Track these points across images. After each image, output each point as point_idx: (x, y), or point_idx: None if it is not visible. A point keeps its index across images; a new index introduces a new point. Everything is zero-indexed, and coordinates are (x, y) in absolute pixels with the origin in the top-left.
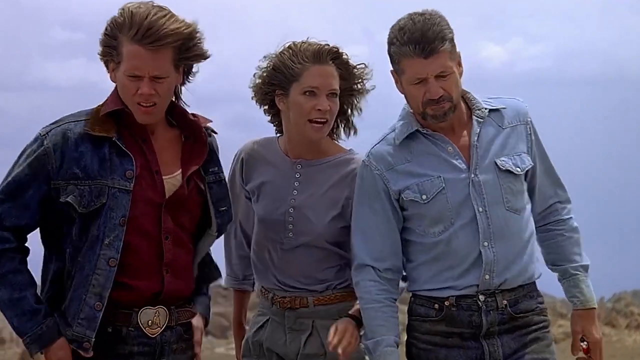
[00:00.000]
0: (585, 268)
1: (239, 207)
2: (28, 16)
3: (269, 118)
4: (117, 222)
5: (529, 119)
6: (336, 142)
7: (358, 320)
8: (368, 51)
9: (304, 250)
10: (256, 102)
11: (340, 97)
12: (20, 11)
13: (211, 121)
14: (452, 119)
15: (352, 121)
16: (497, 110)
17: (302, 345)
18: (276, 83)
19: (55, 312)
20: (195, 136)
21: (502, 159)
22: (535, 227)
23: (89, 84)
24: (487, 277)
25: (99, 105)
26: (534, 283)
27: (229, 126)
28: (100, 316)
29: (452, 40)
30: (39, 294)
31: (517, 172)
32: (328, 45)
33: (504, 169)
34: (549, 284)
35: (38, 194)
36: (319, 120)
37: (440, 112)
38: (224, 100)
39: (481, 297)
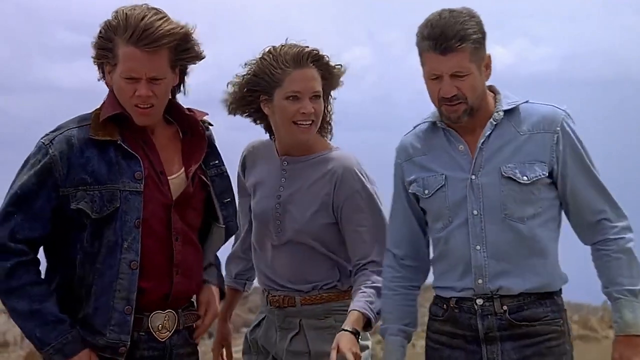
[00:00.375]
0: (634, 292)
1: (245, 207)
2: (30, 18)
3: (252, 120)
4: (132, 225)
5: (558, 128)
6: (325, 139)
7: (357, 332)
8: (369, 52)
9: (291, 248)
10: (234, 111)
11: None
12: (22, 13)
13: (207, 114)
14: (474, 118)
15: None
16: (519, 114)
17: (288, 342)
18: (259, 89)
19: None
20: (192, 131)
21: (509, 165)
22: (590, 247)
23: (92, 86)
24: (479, 281)
25: (96, 109)
26: (549, 292)
27: (232, 128)
28: (131, 320)
29: (477, 41)
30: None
31: (521, 181)
32: (307, 47)
33: (506, 175)
34: None
35: (48, 203)
36: (303, 123)
37: (454, 115)
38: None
39: (479, 301)
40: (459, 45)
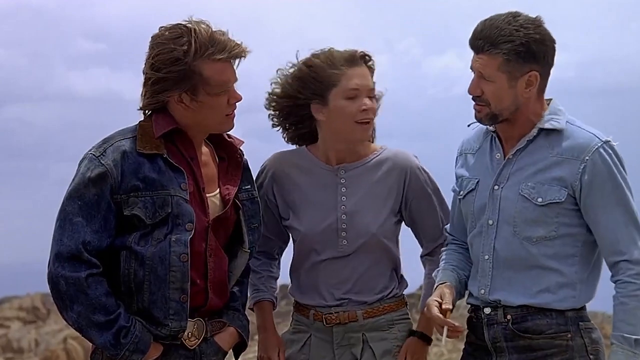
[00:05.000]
0: (629, 341)
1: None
2: (51, 27)
3: (292, 133)
4: (183, 228)
5: (587, 158)
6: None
7: (426, 337)
8: (387, 60)
9: (358, 256)
10: (280, 121)
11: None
12: (43, 22)
13: (243, 142)
14: (514, 128)
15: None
16: (558, 135)
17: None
18: (311, 95)
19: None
20: (230, 157)
21: (529, 183)
22: None
23: (112, 94)
24: (482, 291)
25: (141, 121)
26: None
27: (250, 136)
28: (187, 307)
29: (513, 53)
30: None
31: (535, 202)
32: (356, 50)
33: (521, 193)
34: None
35: (110, 212)
36: (364, 120)
37: (478, 116)
38: (244, 111)
39: (486, 310)
40: (488, 50)
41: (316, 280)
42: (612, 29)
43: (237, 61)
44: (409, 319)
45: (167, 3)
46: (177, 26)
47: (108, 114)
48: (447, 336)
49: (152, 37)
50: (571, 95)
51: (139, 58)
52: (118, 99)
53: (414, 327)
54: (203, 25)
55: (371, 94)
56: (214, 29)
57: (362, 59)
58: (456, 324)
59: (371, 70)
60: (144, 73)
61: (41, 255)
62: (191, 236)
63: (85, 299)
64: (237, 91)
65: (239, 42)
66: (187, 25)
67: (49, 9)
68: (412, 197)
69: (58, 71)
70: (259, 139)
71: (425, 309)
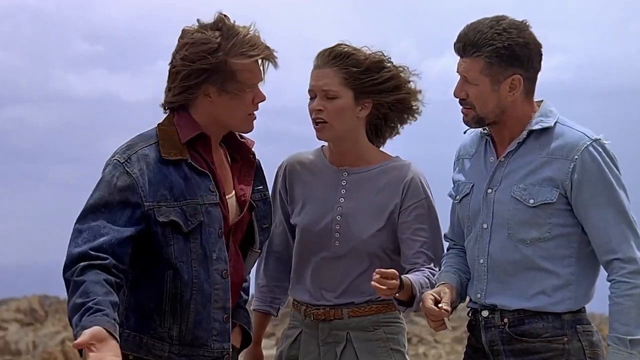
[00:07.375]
0: (624, 341)
1: (277, 219)
2: (49, 28)
3: None
4: (216, 235)
5: (577, 157)
6: (381, 149)
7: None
8: None
9: (350, 259)
10: None
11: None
12: (41, 23)
13: (254, 143)
14: (504, 130)
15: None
16: (547, 135)
17: (338, 357)
18: None
19: (149, 332)
20: (242, 157)
21: (520, 185)
22: None
23: (110, 96)
24: (478, 295)
25: (161, 125)
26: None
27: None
28: (230, 328)
29: (495, 56)
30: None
31: (527, 204)
32: (339, 46)
33: (513, 196)
34: None
35: (133, 218)
36: (315, 121)
37: (464, 119)
38: None
39: (484, 313)
40: (471, 53)
41: (310, 278)
42: (611, 30)
43: (267, 64)
44: (399, 322)
45: (166, 5)
46: (214, 22)
47: (106, 115)
48: (435, 328)
49: (183, 31)
50: (570, 97)
51: (137, 60)
52: (116, 100)
53: (406, 330)
54: (238, 23)
55: (327, 95)
56: (249, 29)
57: (329, 58)
58: (449, 308)
59: (349, 67)
60: (171, 67)
61: (39, 257)
62: (224, 243)
63: (75, 285)
64: (263, 92)
65: (269, 46)
66: (224, 20)
67: (48, 10)
68: (405, 207)
69: (56, 72)
70: (257, 140)
71: (421, 302)
